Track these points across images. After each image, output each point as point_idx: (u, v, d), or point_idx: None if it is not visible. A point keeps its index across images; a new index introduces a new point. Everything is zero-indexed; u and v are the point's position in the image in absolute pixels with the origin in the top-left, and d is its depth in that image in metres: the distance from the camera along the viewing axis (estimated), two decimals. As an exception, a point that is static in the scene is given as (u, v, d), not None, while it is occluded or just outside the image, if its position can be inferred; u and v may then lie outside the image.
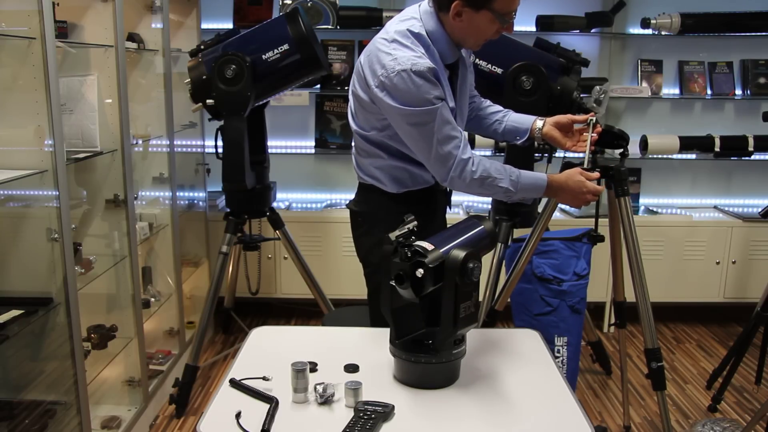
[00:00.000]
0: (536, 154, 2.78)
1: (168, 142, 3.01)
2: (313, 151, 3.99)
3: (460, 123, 1.98)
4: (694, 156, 3.92)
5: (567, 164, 2.41)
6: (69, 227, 2.03)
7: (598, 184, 1.97)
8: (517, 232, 2.89)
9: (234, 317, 3.65)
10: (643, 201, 4.05)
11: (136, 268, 2.59)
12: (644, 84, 3.89)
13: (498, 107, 2.15)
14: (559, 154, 2.75)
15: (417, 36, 1.78)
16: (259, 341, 1.77)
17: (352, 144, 2.00)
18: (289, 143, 4.00)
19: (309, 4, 3.57)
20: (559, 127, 2.01)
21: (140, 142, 2.89)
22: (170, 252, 3.07)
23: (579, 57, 2.70)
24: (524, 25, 3.73)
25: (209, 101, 2.66)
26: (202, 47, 2.74)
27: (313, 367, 1.57)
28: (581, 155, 2.36)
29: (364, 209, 2.00)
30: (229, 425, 1.36)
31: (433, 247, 1.44)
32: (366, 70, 1.80)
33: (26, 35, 1.87)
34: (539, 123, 2.03)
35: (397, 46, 1.75)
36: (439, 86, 1.74)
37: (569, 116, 2.01)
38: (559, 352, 2.69)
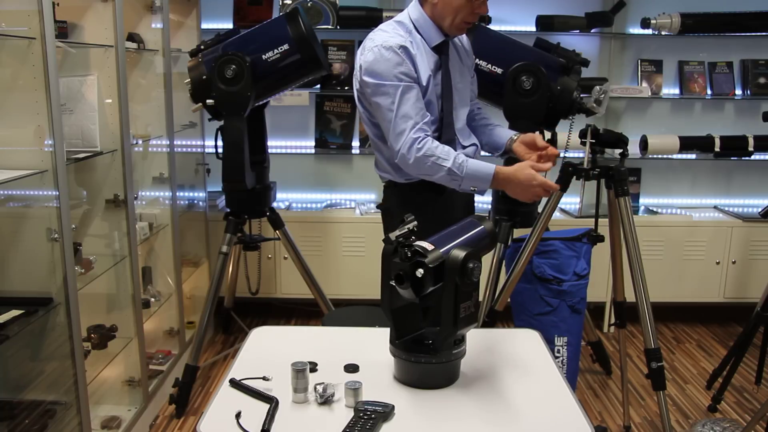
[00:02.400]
0: None
1: (168, 142, 3.00)
2: (313, 151, 3.99)
3: (458, 101, 2.10)
4: (694, 156, 3.93)
5: (566, 164, 2.41)
6: (69, 227, 2.03)
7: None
8: (517, 232, 2.89)
9: (234, 317, 3.65)
10: (643, 201, 4.05)
11: (136, 268, 2.59)
12: (644, 84, 3.89)
13: (488, 121, 2.28)
14: (560, 153, 2.75)
15: (399, 23, 2.01)
16: (259, 341, 1.77)
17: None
18: (289, 143, 4.00)
19: (309, 4, 3.57)
20: (525, 143, 2.07)
21: (140, 142, 2.89)
22: (170, 252, 3.07)
23: (579, 57, 2.70)
24: (524, 25, 3.73)
25: (209, 101, 2.66)
26: (202, 47, 2.74)
27: (313, 367, 1.57)
28: (581, 155, 2.38)
29: (386, 206, 2.16)
30: (229, 425, 1.36)
31: (433, 247, 1.44)
32: (357, 61, 2.01)
33: (26, 35, 1.87)
34: (513, 138, 2.13)
35: (379, 32, 2.00)
36: (408, 63, 1.91)
37: (535, 137, 2.05)
38: (559, 352, 2.68)
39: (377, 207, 2.25)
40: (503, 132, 2.21)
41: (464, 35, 2.16)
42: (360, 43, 3.75)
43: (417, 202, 2.05)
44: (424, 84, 1.96)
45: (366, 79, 1.93)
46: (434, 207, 2.07)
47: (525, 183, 1.90)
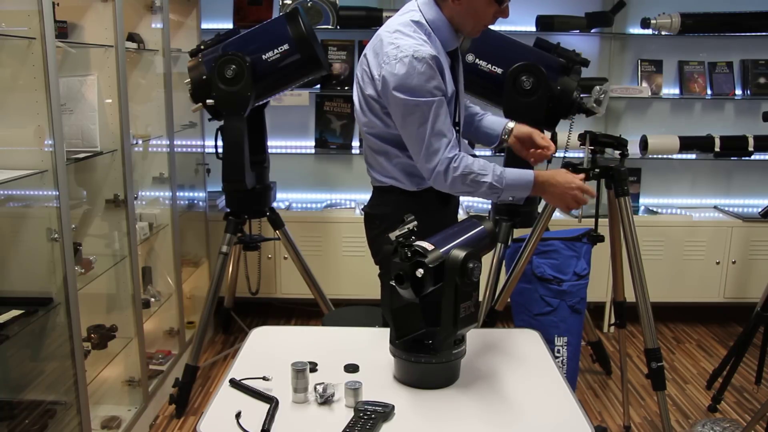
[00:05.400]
0: None
1: (168, 142, 3.00)
2: (313, 151, 3.99)
3: (461, 104, 2.01)
4: (694, 156, 3.93)
5: (566, 164, 2.41)
6: (69, 227, 2.03)
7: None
8: (517, 232, 2.89)
9: (234, 317, 3.65)
10: (643, 201, 4.05)
11: (136, 268, 2.59)
12: (644, 84, 3.89)
13: (477, 109, 2.15)
14: (559, 154, 2.75)
15: (418, 24, 1.82)
16: (259, 341, 1.77)
17: (364, 147, 2.02)
18: (289, 143, 4.00)
19: (309, 4, 3.57)
20: (518, 138, 2.01)
21: (140, 142, 2.89)
22: (170, 252, 3.07)
23: (579, 57, 2.70)
24: (524, 25, 3.73)
25: (209, 101, 2.66)
26: (202, 47, 2.74)
27: (313, 367, 1.57)
28: (581, 155, 2.37)
29: (382, 211, 2.01)
30: (229, 425, 1.36)
31: (433, 247, 1.44)
32: (371, 63, 1.84)
33: (26, 35, 1.87)
34: (510, 126, 2.03)
35: (400, 35, 1.80)
36: (439, 76, 1.78)
37: (532, 133, 1.99)
38: (559, 352, 2.69)
39: (363, 210, 2.12)
40: (493, 121, 2.08)
41: None
42: (360, 43, 3.79)
43: (419, 211, 1.86)
44: (449, 95, 1.85)
45: (397, 94, 1.76)
46: (436, 215, 2.00)
47: (565, 185, 1.85)
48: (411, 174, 1.93)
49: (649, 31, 3.77)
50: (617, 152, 2.40)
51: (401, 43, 1.77)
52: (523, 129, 2.02)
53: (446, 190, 1.87)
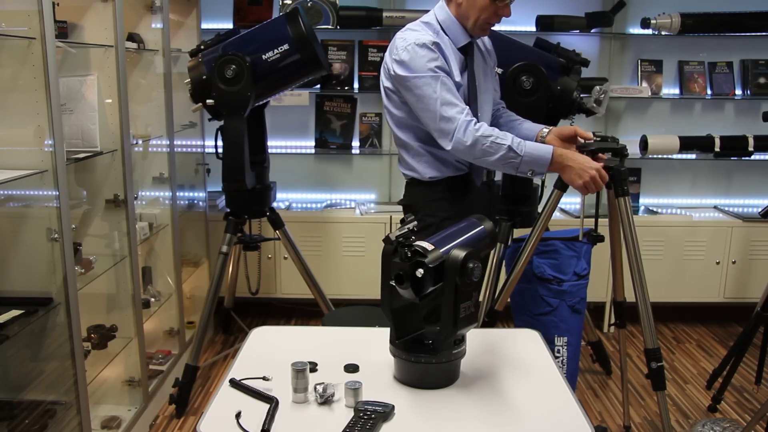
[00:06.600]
0: None
1: (168, 142, 3.00)
2: (313, 151, 3.99)
3: (483, 102, 2.16)
4: (694, 156, 3.93)
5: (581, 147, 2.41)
6: (69, 227, 2.03)
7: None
8: (517, 232, 2.89)
9: (234, 317, 3.65)
10: (643, 201, 4.05)
11: (136, 268, 2.59)
12: (644, 84, 3.89)
13: (514, 116, 2.32)
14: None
15: (427, 24, 2.07)
16: (259, 341, 1.77)
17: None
18: (289, 143, 4.00)
19: (309, 4, 3.57)
20: (561, 138, 2.12)
21: (140, 142, 2.89)
22: (170, 252, 3.07)
23: (579, 57, 2.70)
24: (524, 25, 3.73)
25: (209, 101, 2.66)
26: (202, 47, 2.74)
27: (313, 367, 1.57)
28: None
29: (408, 202, 2.19)
30: (229, 425, 1.36)
31: (433, 247, 1.44)
32: (387, 59, 2.07)
33: (26, 35, 1.87)
34: (545, 131, 2.17)
35: (409, 32, 2.05)
36: (441, 58, 1.97)
37: (575, 129, 2.12)
38: (559, 352, 2.68)
39: (399, 203, 2.28)
40: (532, 126, 2.24)
41: (486, 36, 2.19)
42: (360, 43, 3.79)
43: (440, 200, 2.09)
44: (457, 80, 2.02)
45: (402, 73, 1.97)
46: (457, 206, 2.10)
47: (584, 164, 1.93)
48: (425, 162, 2.08)
49: (649, 31, 3.77)
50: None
51: (407, 35, 2.02)
52: (565, 127, 2.16)
53: (467, 155, 1.97)
